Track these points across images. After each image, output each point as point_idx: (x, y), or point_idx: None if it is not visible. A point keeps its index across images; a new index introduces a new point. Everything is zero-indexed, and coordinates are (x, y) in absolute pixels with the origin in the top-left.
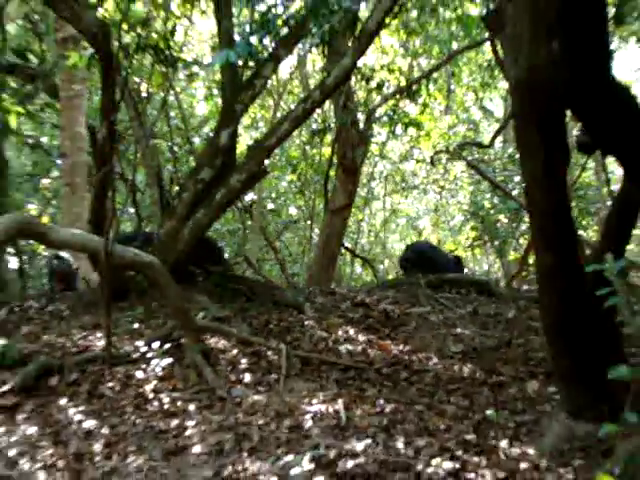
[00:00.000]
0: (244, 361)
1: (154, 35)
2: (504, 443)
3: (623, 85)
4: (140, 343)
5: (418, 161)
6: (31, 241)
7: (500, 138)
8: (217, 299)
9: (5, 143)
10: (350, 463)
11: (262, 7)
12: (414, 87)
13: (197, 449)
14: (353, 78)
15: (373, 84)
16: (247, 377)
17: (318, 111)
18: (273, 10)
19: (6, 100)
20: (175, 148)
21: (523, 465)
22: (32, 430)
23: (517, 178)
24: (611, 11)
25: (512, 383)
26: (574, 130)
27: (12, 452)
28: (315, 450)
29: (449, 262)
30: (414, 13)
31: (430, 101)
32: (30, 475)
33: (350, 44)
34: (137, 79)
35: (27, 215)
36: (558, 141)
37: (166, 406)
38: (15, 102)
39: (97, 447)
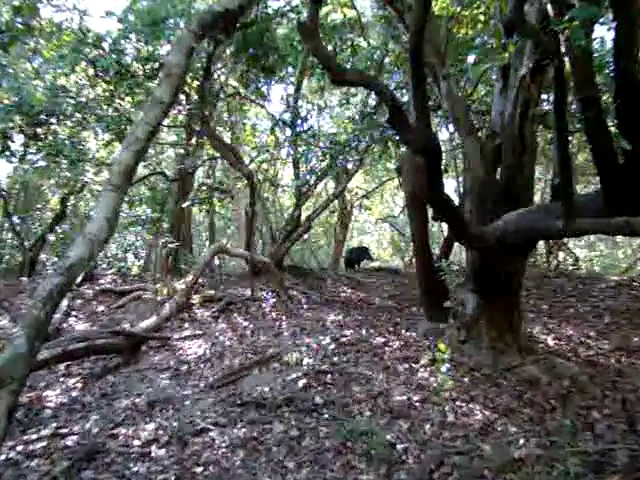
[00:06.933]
0: (303, 298)
1: None
2: (403, 331)
3: None
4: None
5: None
6: None
7: None
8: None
9: None
10: (344, 339)
11: None
12: None
13: (286, 332)
14: None
15: None
16: (305, 305)
17: None
18: None
19: None
20: None
21: (411, 339)
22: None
23: None
24: None
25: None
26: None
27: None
28: (332, 334)
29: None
30: None
31: None
32: None
33: None
34: None
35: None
36: None
37: (272, 315)
38: None
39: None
